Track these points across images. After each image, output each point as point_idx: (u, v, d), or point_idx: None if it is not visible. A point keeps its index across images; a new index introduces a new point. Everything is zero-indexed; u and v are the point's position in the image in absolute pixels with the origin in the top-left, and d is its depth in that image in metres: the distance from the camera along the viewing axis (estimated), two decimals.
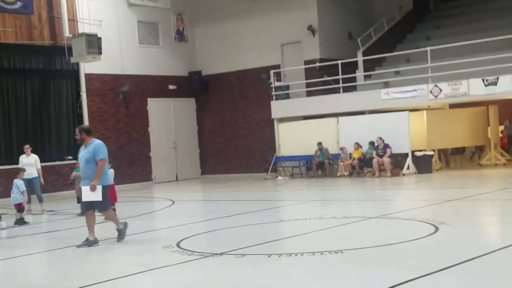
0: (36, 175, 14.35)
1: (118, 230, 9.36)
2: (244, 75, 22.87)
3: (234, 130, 23.38)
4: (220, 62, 23.34)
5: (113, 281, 6.80)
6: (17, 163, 14.75)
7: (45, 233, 11.52)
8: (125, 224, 9.50)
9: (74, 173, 13.85)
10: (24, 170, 12.83)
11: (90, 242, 9.06)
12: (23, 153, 14.70)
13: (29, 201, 14.13)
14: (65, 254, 8.69)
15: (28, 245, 10.22)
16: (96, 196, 9.04)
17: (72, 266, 8.07)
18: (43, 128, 20.09)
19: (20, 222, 12.27)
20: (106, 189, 9.17)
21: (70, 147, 20.41)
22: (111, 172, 12.47)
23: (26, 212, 13.84)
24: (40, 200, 14.38)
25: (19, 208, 12.43)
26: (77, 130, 9.42)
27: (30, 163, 14.33)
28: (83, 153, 9.23)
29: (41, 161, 14.82)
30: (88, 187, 9.01)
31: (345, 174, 18.96)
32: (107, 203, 9.26)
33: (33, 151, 14.79)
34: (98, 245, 9.03)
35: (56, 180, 19.18)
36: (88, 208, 9.21)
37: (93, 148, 9.11)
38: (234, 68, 23.04)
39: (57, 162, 18.91)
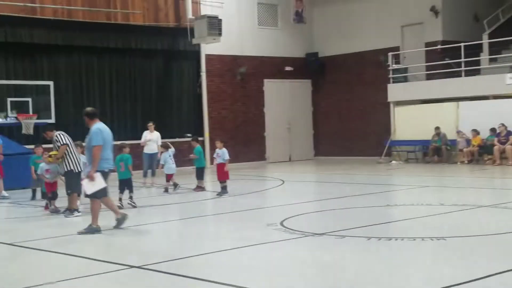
0: (156, 150, 15.23)
1: (117, 219, 8.82)
2: (362, 57, 22.52)
3: (349, 112, 23.18)
4: (338, 44, 23.14)
5: (215, 253, 7.15)
6: (140, 138, 15.85)
7: (163, 206, 12.17)
8: (124, 216, 8.88)
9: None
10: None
11: (93, 230, 8.55)
12: (147, 129, 15.65)
13: (153, 174, 15.10)
14: (180, 224, 9.17)
15: (144, 215, 10.91)
16: (99, 184, 8.49)
17: (179, 237, 8.54)
18: (166, 106, 21.09)
19: (175, 187, 13.75)
20: (102, 175, 8.54)
21: (190, 125, 21.30)
22: (223, 151, 12.98)
23: (150, 185, 14.82)
24: (153, 174, 15.25)
25: (171, 177, 13.73)
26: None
27: (152, 139, 15.34)
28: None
29: (162, 138, 15.67)
30: (87, 179, 8.53)
31: (465, 161, 18.22)
32: (100, 190, 8.56)
33: (155, 128, 15.71)
34: (100, 233, 8.54)
35: (175, 156, 19.97)
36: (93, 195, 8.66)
37: (90, 133, 8.64)
38: (352, 50, 22.75)
39: (177, 139, 19.76)
